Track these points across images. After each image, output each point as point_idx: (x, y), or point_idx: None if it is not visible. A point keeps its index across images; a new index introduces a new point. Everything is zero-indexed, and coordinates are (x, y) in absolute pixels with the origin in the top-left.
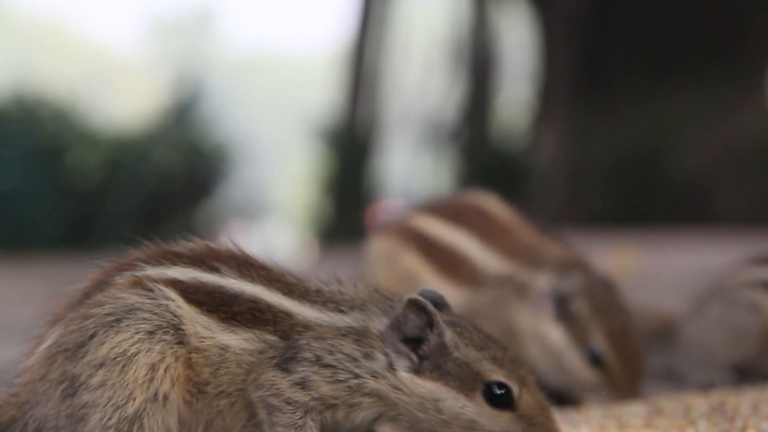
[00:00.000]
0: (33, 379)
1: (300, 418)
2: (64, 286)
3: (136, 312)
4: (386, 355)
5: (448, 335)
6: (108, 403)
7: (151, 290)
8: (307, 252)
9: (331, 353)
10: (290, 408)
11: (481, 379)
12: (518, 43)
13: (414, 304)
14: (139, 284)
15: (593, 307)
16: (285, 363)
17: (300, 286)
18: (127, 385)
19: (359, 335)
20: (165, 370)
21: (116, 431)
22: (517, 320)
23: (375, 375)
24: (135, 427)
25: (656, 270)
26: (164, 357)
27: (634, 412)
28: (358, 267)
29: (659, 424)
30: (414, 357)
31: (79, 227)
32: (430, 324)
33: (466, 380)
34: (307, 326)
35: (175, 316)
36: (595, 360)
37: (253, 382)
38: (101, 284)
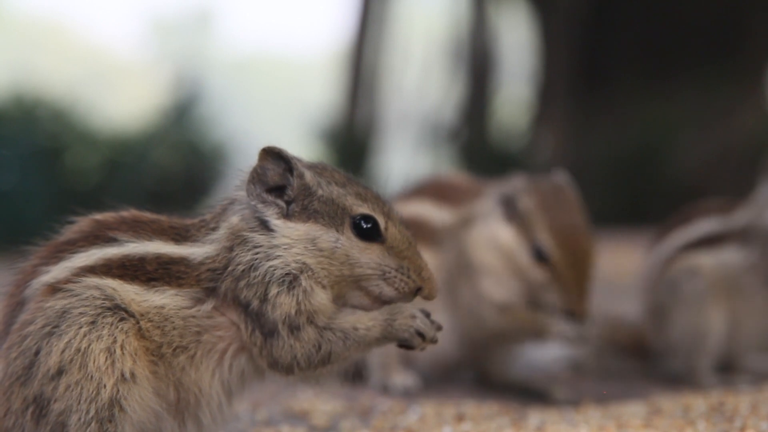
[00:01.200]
0: None
1: (308, 320)
2: None
3: (70, 311)
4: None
5: (308, 175)
6: (80, 400)
7: (70, 287)
8: None
9: (247, 266)
10: (296, 321)
11: (347, 214)
12: (517, 43)
13: (269, 153)
14: (56, 288)
15: (538, 204)
16: (249, 318)
17: (184, 227)
18: (92, 376)
19: (234, 230)
20: (122, 349)
21: (98, 422)
22: (469, 240)
23: (276, 246)
24: (115, 411)
25: None
26: (115, 337)
27: (633, 411)
28: None
29: (658, 424)
30: (281, 203)
31: None
32: (290, 169)
33: (335, 216)
34: (214, 269)
35: (106, 297)
36: (540, 257)
37: (262, 354)
38: (17, 306)
